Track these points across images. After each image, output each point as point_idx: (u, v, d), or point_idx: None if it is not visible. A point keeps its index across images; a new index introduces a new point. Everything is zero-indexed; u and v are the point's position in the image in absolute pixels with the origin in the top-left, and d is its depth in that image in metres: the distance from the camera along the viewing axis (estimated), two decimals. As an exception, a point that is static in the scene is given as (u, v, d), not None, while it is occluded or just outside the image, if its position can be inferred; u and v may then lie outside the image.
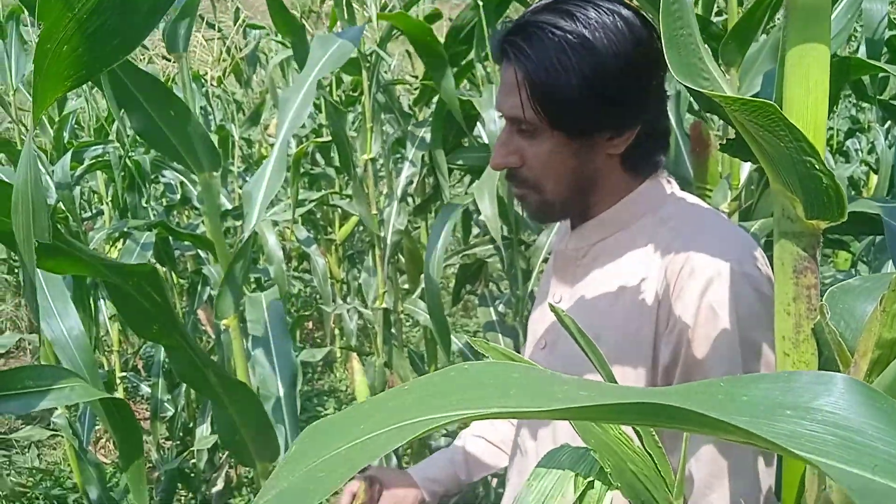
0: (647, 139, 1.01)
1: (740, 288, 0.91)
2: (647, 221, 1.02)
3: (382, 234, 2.45)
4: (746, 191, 1.32)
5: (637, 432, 0.61)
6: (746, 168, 1.29)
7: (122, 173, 3.14)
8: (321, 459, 0.41)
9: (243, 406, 1.13)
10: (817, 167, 0.51)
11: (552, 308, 0.65)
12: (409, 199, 2.74)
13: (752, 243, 0.98)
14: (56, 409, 2.37)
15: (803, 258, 0.55)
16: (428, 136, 2.37)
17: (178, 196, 3.70)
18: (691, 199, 1.05)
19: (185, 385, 3.33)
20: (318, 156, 4.34)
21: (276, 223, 3.31)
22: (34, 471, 3.69)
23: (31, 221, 0.77)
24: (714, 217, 1.03)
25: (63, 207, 3.24)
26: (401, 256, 2.92)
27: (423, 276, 2.69)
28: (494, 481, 2.41)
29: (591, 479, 0.60)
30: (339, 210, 4.73)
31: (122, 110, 1.19)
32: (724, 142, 0.98)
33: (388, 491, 1.24)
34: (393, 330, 2.76)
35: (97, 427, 3.93)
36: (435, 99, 2.44)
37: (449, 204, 2.17)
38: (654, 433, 0.60)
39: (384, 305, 2.49)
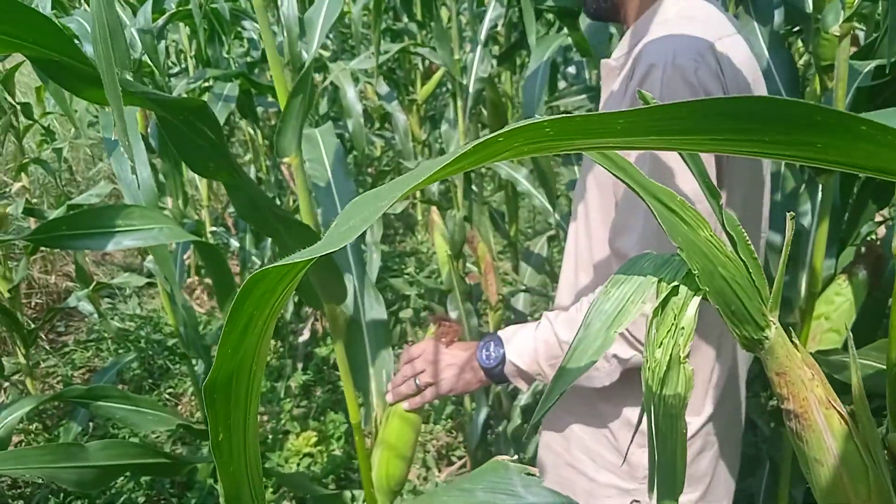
0: None
1: (669, 78, 0.99)
2: (654, 28, 1.10)
3: (465, 83, 2.34)
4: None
5: (731, 237, 0.53)
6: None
7: (204, 24, 3.10)
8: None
9: (306, 247, 1.10)
10: None
11: None
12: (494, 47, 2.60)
13: (700, 43, 1.03)
14: (148, 254, 2.46)
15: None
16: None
17: (260, 52, 3.65)
18: (692, 9, 1.11)
19: (271, 239, 3.41)
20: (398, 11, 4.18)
21: (356, 77, 3.23)
22: (135, 317, 3.93)
23: (111, 50, 0.74)
24: (683, 22, 1.08)
25: (148, 60, 3.26)
26: (483, 109, 2.81)
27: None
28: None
29: (675, 283, 0.53)
30: (421, 69, 4.60)
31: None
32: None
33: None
34: (473, 186, 2.70)
35: (189, 279, 4.11)
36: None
37: (548, 36, 2.04)
38: (748, 239, 0.53)
39: (464, 158, 2.41)
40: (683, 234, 0.51)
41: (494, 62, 2.51)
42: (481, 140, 0.30)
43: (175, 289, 2.22)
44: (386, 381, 1.37)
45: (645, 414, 0.55)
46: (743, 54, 1.09)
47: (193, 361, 2.41)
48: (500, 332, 1.21)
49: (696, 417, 1.22)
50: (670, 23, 1.09)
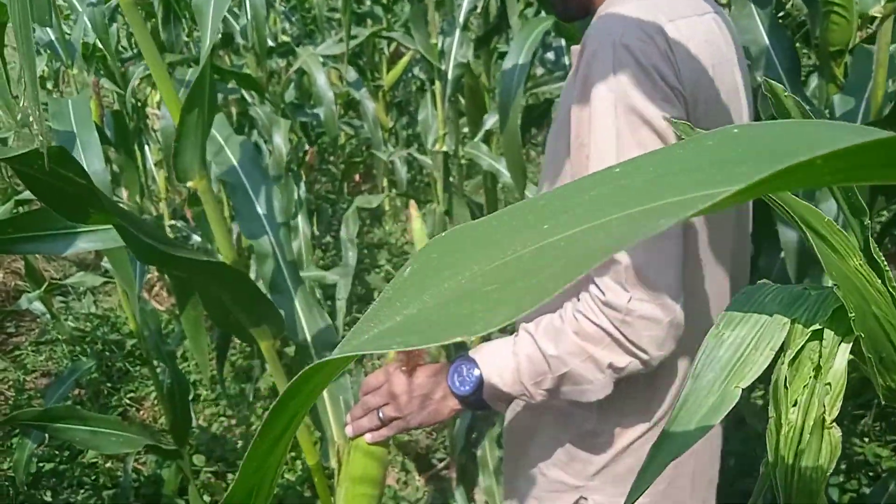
0: None
1: (619, 58, 0.94)
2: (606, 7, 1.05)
3: (443, 68, 2.21)
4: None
5: (877, 267, 0.43)
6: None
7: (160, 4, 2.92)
8: (478, 270, 0.24)
9: (225, 284, 0.95)
10: None
11: None
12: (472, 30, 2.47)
13: (647, 24, 0.97)
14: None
15: None
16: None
17: (221, 34, 3.46)
18: None
19: (237, 232, 3.25)
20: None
21: (324, 61, 3.08)
22: (91, 316, 3.72)
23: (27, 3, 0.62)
24: (632, 4, 1.01)
25: (100, 45, 3.06)
26: (460, 97, 2.68)
27: (485, 116, 2.47)
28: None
29: (817, 327, 0.42)
30: (387, 54, 4.45)
31: None
32: None
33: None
34: (452, 177, 2.59)
35: (149, 274, 3.92)
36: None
37: (533, 19, 1.91)
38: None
39: (444, 148, 2.29)
40: (835, 265, 0.40)
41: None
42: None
43: (132, 295, 2.07)
44: (345, 410, 1.23)
45: (771, 483, 0.44)
46: (701, 37, 1.03)
47: (155, 363, 2.26)
48: (471, 352, 1.07)
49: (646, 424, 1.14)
50: (618, 4, 1.05)
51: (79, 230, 1.29)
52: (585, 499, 1.17)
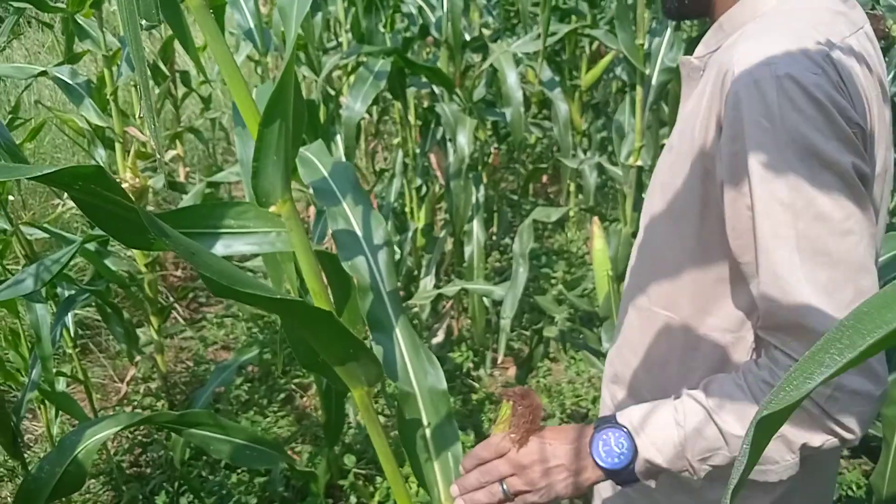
0: None
1: (787, 93, 0.81)
2: (747, 28, 0.92)
3: (647, 73, 1.96)
4: None
5: None
6: None
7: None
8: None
9: (306, 323, 0.78)
10: None
11: None
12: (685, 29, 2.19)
13: (814, 48, 0.83)
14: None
15: None
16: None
17: (419, 27, 3.40)
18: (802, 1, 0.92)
19: (413, 229, 3.19)
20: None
21: (518, 59, 2.91)
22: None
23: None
24: (784, 18, 0.90)
25: (301, 33, 3.10)
26: (664, 105, 2.41)
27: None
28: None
29: None
30: (588, 52, 4.20)
31: None
32: None
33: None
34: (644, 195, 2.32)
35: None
36: None
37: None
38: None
39: (639, 163, 2.04)
40: None
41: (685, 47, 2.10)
42: None
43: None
44: (454, 466, 1.05)
45: None
46: (863, 61, 0.89)
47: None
48: (619, 418, 0.92)
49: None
50: (769, 18, 0.92)
51: (234, 231, 1.21)
52: None
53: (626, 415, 0.91)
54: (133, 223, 0.64)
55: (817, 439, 0.83)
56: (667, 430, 0.88)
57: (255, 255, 2.36)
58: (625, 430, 0.90)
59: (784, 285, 0.82)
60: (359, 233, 1.08)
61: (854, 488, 2.39)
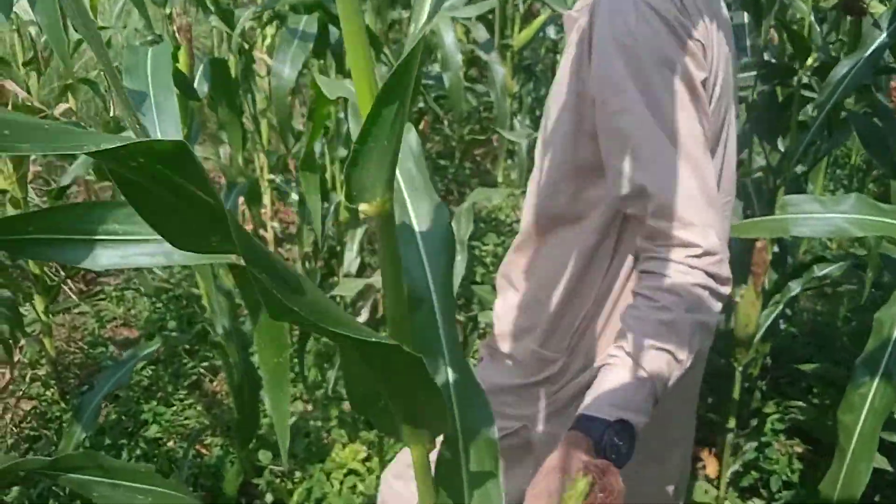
0: None
1: (641, 15, 0.98)
2: None
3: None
4: None
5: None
6: None
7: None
8: None
9: (384, 368, 0.57)
10: None
11: None
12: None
13: None
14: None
15: None
16: None
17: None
18: None
19: (336, 200, 2.93)
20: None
21: (454, 19, 2.66)
22: (180, 269, 3.52)
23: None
24: None
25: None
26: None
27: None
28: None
29: None
30: (521, 10, 3.98)
31: None
32: None
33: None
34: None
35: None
36: None
37: None
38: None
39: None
40: None
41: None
42: None
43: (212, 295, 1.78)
44: None
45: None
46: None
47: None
48: (598, 415, 0.95)
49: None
50: None
51: (113, 238, 0.95)
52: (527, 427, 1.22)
53: (592, 407, 0.95)
54: (189, 217, 0.43)
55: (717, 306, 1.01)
56: (639, 389, 0.95)
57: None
58: (607, 424, 0.93)
59: (645, 167, 1.00)
60: (416, 227, 0.82)
61: (789, 473, 2.33)
